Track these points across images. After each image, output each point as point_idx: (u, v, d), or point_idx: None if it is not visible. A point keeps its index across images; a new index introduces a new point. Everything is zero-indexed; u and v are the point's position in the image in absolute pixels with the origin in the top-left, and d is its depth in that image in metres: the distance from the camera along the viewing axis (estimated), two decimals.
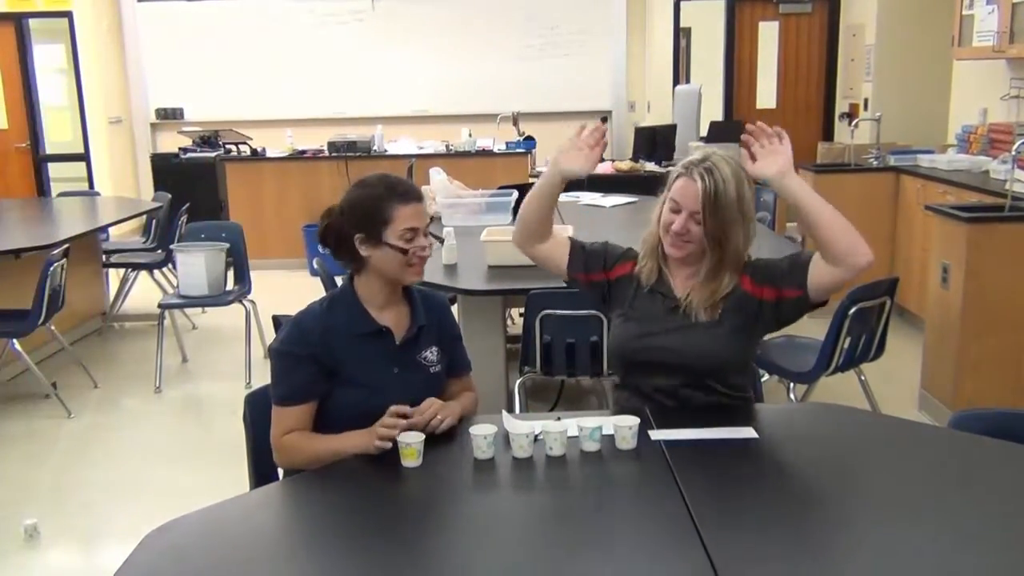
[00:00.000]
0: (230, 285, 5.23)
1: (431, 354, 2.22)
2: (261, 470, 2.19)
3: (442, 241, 3.73)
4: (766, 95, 9.12)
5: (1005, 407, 2.17)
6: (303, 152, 7.93)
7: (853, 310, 3.30)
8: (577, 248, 2.37)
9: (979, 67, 5.98)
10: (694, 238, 2.19)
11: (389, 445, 1.94)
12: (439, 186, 5.07)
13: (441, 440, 2.03)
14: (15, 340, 4.50)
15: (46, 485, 3.84)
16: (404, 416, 1.99)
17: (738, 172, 2.19)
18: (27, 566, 3.18)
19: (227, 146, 8.19)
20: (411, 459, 1.93)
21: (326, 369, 2.10)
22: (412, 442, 1.93)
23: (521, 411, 3.45)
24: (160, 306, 5.06)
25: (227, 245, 5.14)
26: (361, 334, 2.14)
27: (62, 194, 7.22)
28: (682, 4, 9.10)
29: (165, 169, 8.20)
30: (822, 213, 2.10)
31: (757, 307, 2.21)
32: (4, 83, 9.07)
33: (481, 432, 1.93)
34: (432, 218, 4.96)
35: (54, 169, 9.44)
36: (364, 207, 2.14)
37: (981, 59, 5.79)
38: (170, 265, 5.84)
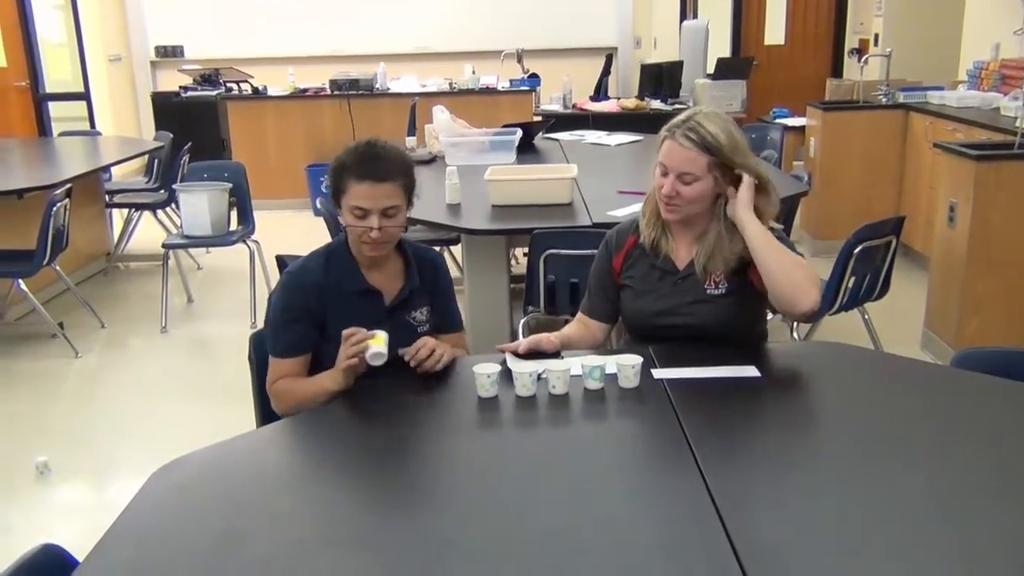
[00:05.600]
0: (233, 225, 5.22)
1: (421, 314, 2.22)
2: (267, 408, 2.21)
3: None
4: (774, 31, 8.96)
5: (1008, 346, 2.17)
6: (305, 90, 7.84)
7: (858, 249, 3.28)
8: (596, 306, 2.39)
9: (992, 0, 5.86)
10: (684, 200, 2.18)
11: (356, 361, 1.95)
12: (442, 124, 5.02)
13: (445, 378, 2.05)
14: (21, 280, 4.52)
15: (56, 423, 3.89)
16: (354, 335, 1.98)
17: (725, 125, 2.18)
18: (39, 502, 3.24)
19: (228, 84, 8.10)
20: (378, 344, 1.95)
21: (319, 323, 2.12)
22: (377, 331, 1.97)
23: None
24: (164, 246, 5.07)
25: (230, 185, 5.12)
26: (352, 292, 2.14)
27: (63, 134, 7.17)
28: None
29: (166, 108, 8.13)
30: (768, 257, 2.11)
31: (750, 285, 2.22)
32: (2, 19, 8.94)
33: (484, 371, 1.94)
34: (435, 158, 4.93)
35: (54, 108, 9.36)
36: (332, 169, 2.13)
37: None
38: (173, 205, 5.83)
